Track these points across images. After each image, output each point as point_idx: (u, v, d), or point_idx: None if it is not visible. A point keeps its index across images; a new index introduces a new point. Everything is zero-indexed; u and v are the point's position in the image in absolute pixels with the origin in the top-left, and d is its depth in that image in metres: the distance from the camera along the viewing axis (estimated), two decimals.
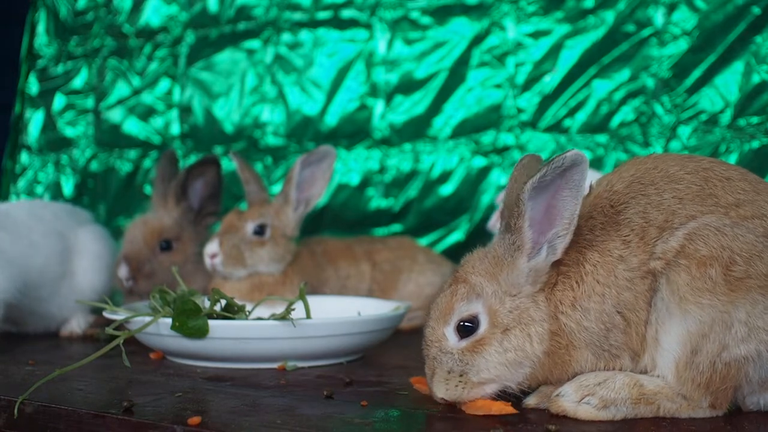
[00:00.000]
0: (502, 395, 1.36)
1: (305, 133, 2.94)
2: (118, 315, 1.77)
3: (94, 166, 3.30)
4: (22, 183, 3.42)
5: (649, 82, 2.43)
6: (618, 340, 1.32)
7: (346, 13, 2.90)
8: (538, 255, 1.33)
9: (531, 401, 1.37)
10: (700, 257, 1.26)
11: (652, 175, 1.37)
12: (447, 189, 2.71)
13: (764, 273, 1.26)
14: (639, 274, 1.31)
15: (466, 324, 1.33)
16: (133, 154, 3.23)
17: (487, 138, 2.67)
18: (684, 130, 2.38)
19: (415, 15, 2.79)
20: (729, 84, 2.32)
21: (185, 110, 3.15)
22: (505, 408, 1.34)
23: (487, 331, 1.32)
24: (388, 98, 2.82)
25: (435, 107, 2.75)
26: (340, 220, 2.85)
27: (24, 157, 3.44)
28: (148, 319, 1.69)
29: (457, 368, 1.33)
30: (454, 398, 1.34)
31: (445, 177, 2.72)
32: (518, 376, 1.34)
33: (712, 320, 1.26)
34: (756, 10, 2.28)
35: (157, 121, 3.20)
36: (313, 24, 2.95)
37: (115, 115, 3.28)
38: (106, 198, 3.27)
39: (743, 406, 1.34)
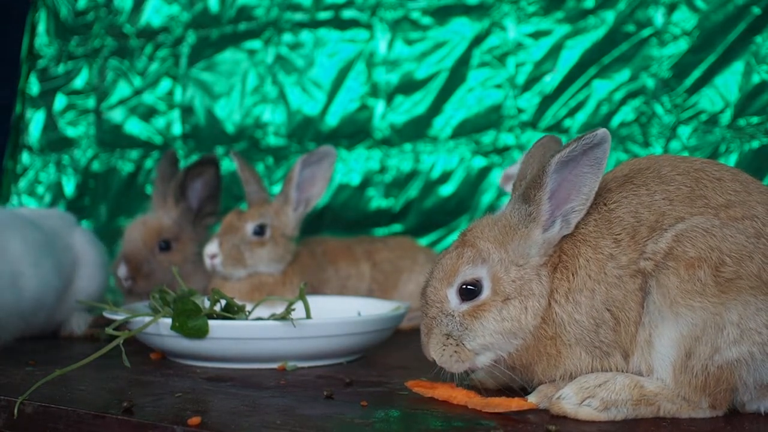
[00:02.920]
0: (508, 391, 1.36)
1: (306, 133, 2.94)
2: (118, 315, 1.77)
3: (96, 166, 3.30)
4: (23, 183, 3.42)
5: (649, 82, 2.43)
6: (608, 337, 1.33)
7: (347, 14, 2.90)
8: (552, 227, 1.34)
9: (531, 401, 1.37)
10: (687, 259, 1.26)
11: (645, 175, 1.38)
12: (447, 189, 2.71)
13: (755, 273, 1.26)
14: (628, 273, 1.31)
15: (468, 287, 1.35)
16: (134, 154, 3.23)
17: (487, 138, 2.67)
18: (684, 130, 2.38)
19: (415, 15, 2.79)
20: (729, 84, 2.32)
21: (186, 110, 3.15)
22: (524, 404, 1.35)
23: (489, 297, 1.34)
24: (389, 98, 2.82)
25: (435, 107, 2.75)
26: (341, 220, 2.85)
27: (25, 158, 3.45)
28: (148, 319, 1.69)
29: (456, 332, 1.35)
30: (445, 366, 1.37)
31: (445, 177, 2.72)
32: (510, 347, 1.35)
33: (704, 322, 1.26)
34: (756, 10, 2.28)
35: (159, 122, 3.20)
36: (314, 24, 2.95)
37: (116, 115, 3.28)
38: (108, 198, 3.27)
39: (743, 412, 1.34)
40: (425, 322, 1.40)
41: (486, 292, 1.35)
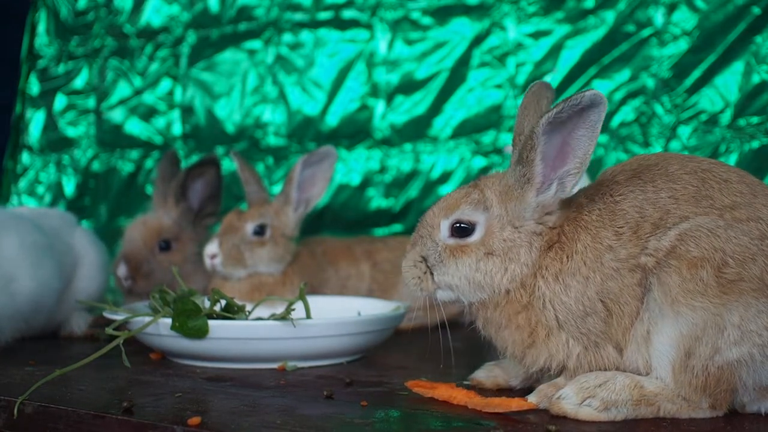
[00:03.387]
0: (508, 391, 1.37)
1: (306, 133, 2.94)
2: (118, 315, 1.77)
3: (96, 166, 3.31)
4: (23, 183, 3.42)
5: (649, 82, 2.43)
6: (597, 327, 1.33)
7: (347, 14, 2.90)
8: (548, 190, 1.35)
9: (531, 401, 1.37)
10: (690, 258, 1.26)
11: (652, 172, 1.38)
12: (447, 189, 2.71)
13: (758, 276, 1.25)
14: (627, 266, 1.31)
15: (462, 225, 1.38)
16: (134, 154, 3.23)
17: (487, 138, 2.67)
18: (684, 130, 2.38)
19: (415, 15, 2.79)
20: (729, 84, 2.32)
21: (187, 110, 3.15)
22: (524, 404, 1.35)
23: (475, 244, 1.37)
24: (389, 98, 2.82)
25: (435, 107, 2.75)
26: (341, 220, 2.85)
27: (25, 158, 3.45)
28: (148, 319, 1.69)
29: (432, 260, 1.39)
30: (406, 282, 1.43)
31: (445, 177, 2.72)
32: (473, 297, 1.38)
33: (705, 323, 1.25)
34: (756, 10, 2.28)
35: (159, 122, 3.21)
36: (314, 24, 2.95)
37: (116, 115, 3.28)
38: (108, 198, 3.27)
39: (743, 413, 1.34)
40: (414, 237, 1.45)
41: (475, 237, 1.37)
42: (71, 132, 3.37)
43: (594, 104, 1.28)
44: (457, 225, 1.38)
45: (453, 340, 1.47)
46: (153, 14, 3.23)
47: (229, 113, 3.07)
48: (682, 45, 2.39)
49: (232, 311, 1.79)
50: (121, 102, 3.27)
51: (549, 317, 1.34)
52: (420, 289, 1.41)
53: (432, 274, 1.40)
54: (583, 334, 1.33)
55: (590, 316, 1.32)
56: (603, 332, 1.33)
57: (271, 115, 3.00)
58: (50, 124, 3.41)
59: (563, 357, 1.35)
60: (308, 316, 1.76)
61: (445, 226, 1.40)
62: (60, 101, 3.40)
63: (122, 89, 3.28)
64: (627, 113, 2.46)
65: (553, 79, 2.57)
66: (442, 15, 2.75)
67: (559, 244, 1.35)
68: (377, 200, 2.82)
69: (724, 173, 1.36)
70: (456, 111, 2.72)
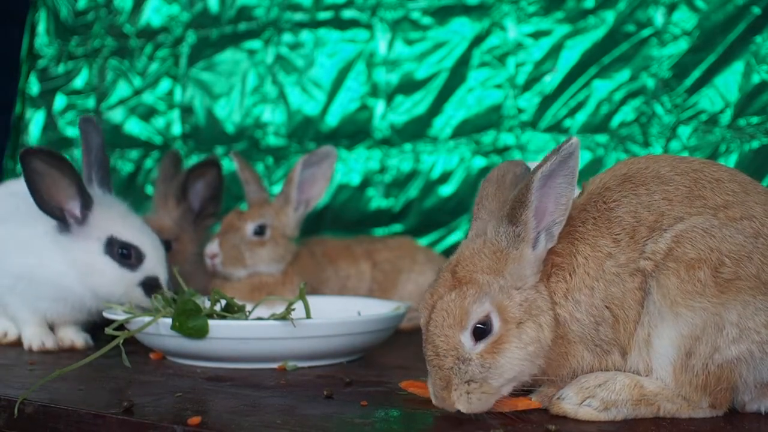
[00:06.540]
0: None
1: (306, 133, 2.94)
2: (118, 315, 1.77)
3: None
4: None
5: (649, 82, 2.43)
6: (607, 335, 1.33)
7: (347, 14, 2.90)
8: (538, 244, 1.32)
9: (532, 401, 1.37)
10: (688, 260, 1.27)
11: (644, 175, 1.38)
12: (447, 189, 2.71)
13: (754, 274, 1.26)
14: (627, 271, 1.32)
15: (479, 326, 1.29)
16: (134, 154, 3.24)
17: (487, 138, 2.67)
18: (684, 130, 2.38)
19: (415, 15, 2.79)
20: (729, 84, 2.32)
21: (186, 110, 3.15)
22: (531, 404, 1.35)
23: (502, 329, 1.28)
24: (389, 98, 2.82)
25: (435, 107, 2.75)
26: (341, 220, 2.85)
27: None
28: (148, 319, 1.69)
29: (479, 375, 1.28)
30: (476, 411, 1.29)
31: (445, 177, 2.72)
32: (534, 368, 1.32)
33: (704, 323, 1.26)
34: (756, 10, 2.28)
35: (159, 122, 3.21)
36: (314, 24, 2.95)
37: (116, 115, 3.28)
38: None
39: (743, 412, 1.34)
40: (440, 375, 1.29)
41: (497, 325, 1.29)
42: (71, 132, 3.37)
43: (575, 150, 1.27)
44: (477, 327, 1.29)
45: None
46: (153, 14, 3.24)
47: (229, 113, 3.07)
48: (682, 45, 2.39)
49: (232, 311, 1.79)
50: (121, 102, 3.28)
51: (573, 336, 1.33)
52: (490, 400, 1.30)
53: (489, 383, 1.29)
54: (597, 345, 1.33)
55: (601, 325, 1.32)
56: (612, 339, 1.33)
57: (271, 115, 3.00)
58: (50, 124, 3.41)
59: (578, 367, 1.35)
60: (308, 316, 1.76)
61: (466, 338, 1.29)
62: (60, 101, 3.40)
63: (122, 89, 3.28)
64: (627, 113, 2.46)
65: (553, 79, 2.57)
66: (442, 15, 2.75)
67: (556, 267, 1.34)
68: (377, 200, 2.82)
69: (715, 172, 1.36)
70: (456, 111, 2.72)
